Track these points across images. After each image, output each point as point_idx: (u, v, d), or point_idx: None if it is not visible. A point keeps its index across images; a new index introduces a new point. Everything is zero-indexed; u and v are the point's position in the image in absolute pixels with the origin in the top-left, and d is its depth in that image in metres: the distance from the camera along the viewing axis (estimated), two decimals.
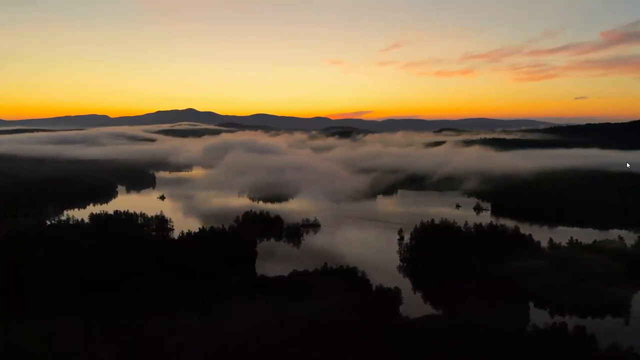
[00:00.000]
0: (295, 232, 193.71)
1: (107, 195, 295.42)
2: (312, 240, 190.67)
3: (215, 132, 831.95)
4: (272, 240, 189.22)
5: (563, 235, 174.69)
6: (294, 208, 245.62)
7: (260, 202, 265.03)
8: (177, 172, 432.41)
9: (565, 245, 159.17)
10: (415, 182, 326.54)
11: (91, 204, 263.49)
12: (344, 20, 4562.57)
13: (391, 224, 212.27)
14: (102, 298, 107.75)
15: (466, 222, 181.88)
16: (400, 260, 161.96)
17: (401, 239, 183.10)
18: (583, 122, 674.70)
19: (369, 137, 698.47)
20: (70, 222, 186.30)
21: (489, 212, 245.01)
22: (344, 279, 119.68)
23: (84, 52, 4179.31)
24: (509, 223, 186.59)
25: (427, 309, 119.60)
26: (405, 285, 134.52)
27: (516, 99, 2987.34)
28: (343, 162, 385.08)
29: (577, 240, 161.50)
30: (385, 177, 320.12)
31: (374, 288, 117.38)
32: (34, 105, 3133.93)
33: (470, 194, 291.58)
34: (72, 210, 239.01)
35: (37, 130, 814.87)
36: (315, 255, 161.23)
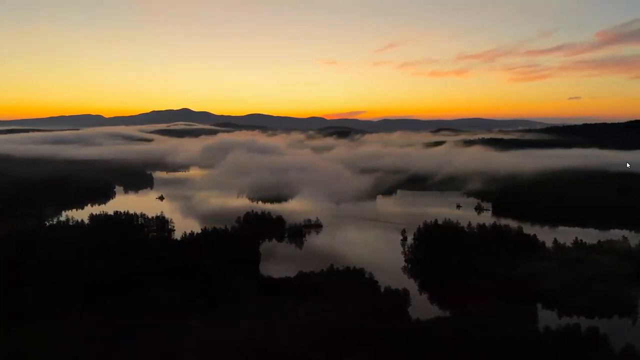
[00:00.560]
0: (297, 232, 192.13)
1: (105, 195, 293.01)
2: (314, 240, 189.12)
3: (212, 132, 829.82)
4: (274, 240, 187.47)
5: (565, 235, 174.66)
6: (296, 208, 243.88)
7: (262, 203, 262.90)
8: (176, 173, 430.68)
9: (570, 245, 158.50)
10: (417, 182, 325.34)
11: (89, 205, 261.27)
12: (339, 20, 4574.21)
13: (393, 224, 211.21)
14: (104, 299, 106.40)
15: (469, 222, 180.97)
16: (405, 261, 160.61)
17: (404, 239, 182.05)
18: (577, 123, 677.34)
19: (367, 137, 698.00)
20: (70, 223, 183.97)
21: (489, 213, 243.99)
22: (352, 280, 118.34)
23: (78, 51, 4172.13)
24: (510, 223, 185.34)
25: (435, 310, 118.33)
26: (411, 286, 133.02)
27: (510, 99, 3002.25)
28: (343, 162, 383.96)
29: (581, 240, 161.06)
30: (387, 177, 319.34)
31: (382, 289, 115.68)
32: (28, 105, 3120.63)
33: (470, 194, 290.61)
34: (70, 210, 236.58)
35: (32, 130, 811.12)
36: (318, 256, 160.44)
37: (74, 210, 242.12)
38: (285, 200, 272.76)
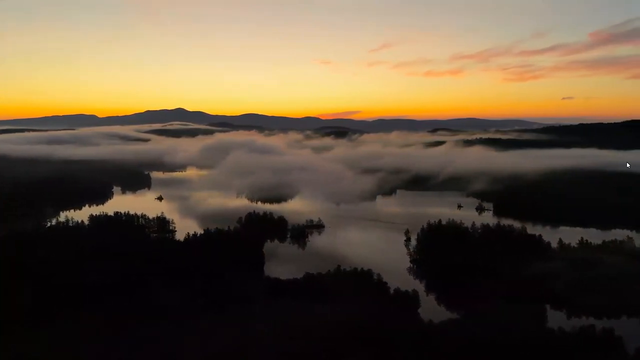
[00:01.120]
0: (300, 233, 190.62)
1: (103, 196, 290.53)
2: (317, 241, 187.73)
3: (209, 132, 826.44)
4: (277, 241, 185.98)
5: (567, 235, 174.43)
6: (298, 209, 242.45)
7: (264, 203, 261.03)
8: (175, 173, 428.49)
9: (576, 245, 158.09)
10: (419, 182, 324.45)
11: (87, 205, 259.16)
12: (334, 20, 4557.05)
13: (396, 224, 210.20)
14: (106, 301, 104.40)
15: (473, 222, 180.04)
16: (410, 261, 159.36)
17: (408, 239, 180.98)
18: (572, 122, 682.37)
19: (365, 137, 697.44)
20: (70, 224, 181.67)
21: (490, 213, 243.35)
22: (360, 282, 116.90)
23: (71, 51, 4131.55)
24: (512, 223, 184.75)
25: (445, 311, 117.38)
26: (417, 286, 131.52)
27: (505, 99, 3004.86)
28: (344, 162, 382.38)
29: (587, 240, 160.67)
30: (389, 178, 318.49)
31: (391, 291, 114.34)
32: (21, 105, 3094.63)
33: (471, 194, 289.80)
34: (69, 211, 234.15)
35: (27, 130, 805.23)
36: (322, 257, 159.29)
37: (73, 210, 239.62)
38: (287, 200, 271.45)
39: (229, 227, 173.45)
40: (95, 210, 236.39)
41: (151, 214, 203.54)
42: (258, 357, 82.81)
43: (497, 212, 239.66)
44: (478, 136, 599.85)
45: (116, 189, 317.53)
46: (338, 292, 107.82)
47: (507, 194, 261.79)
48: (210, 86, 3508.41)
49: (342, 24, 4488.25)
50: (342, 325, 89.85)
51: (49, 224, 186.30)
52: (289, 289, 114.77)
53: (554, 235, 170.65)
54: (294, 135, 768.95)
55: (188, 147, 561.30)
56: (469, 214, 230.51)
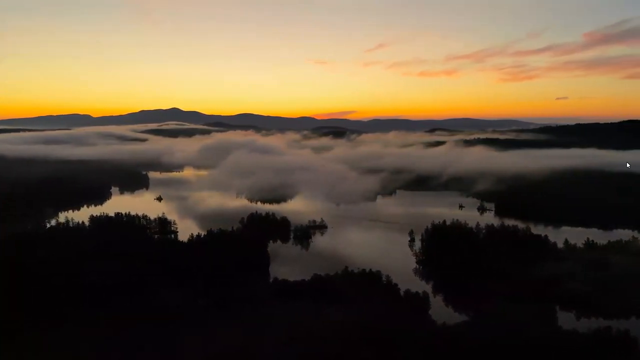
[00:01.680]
0: (303, 234, 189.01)
1: (102, 196, 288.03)
2: (321, 242, 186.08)
3: (206, 132, 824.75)
4: (280, 242, 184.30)
5: (570, 235, 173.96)
6: (300, 209, 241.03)
7: (266, 204, 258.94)
8: (174, 173, 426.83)
9: (582, 245, 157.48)
10: (422, 182, 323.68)
11: (85, 205, 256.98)
12: (329, 20, 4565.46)
13: (398, 224, 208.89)
14: (108, 302, 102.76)
15: (478, 223, 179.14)
16: (416, 262, 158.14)
17: (412, 240, 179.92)
18: (567, 123, 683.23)
19: (364, 137, 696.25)
20: (71, 225, 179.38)
21: (492, 213, 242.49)
22: (369, 283, 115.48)
23: (64, 51, 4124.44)
24: (513, 223, 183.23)
25: (452, 312, 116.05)
26: (424, 287, 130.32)
27: (499, 100, 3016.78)
28: (345, 162, 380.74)
29: (593, 240, 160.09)
30: (392, 178, 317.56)
31: (402, 293, 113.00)
32: (16, 105, 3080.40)
33: (472, 194, 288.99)
34: (68, 211, 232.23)
35: (23, 130, 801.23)
36: (326, 258, 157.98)
37: (72, 211, 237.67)
38: (289, 200, 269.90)
39: (232, 227, 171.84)
40: (94, 210, 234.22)
41: (151, 215, 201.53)
42: (262, 358, 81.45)
43: (499, 212, 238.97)
44: (476, 136, 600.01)
45: (114, 189, 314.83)
46: (347, 294, 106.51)
47: (509, 194, 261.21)
48: (205, 86, 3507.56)
49: (337, 24, 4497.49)
50: (351, 327, 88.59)
51: (49, 225, 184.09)
52: (296, 290, 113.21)
53: (557, 236, 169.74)
54: (291, 135, 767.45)
55: (186, 147, 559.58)
56: (471, 214, 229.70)
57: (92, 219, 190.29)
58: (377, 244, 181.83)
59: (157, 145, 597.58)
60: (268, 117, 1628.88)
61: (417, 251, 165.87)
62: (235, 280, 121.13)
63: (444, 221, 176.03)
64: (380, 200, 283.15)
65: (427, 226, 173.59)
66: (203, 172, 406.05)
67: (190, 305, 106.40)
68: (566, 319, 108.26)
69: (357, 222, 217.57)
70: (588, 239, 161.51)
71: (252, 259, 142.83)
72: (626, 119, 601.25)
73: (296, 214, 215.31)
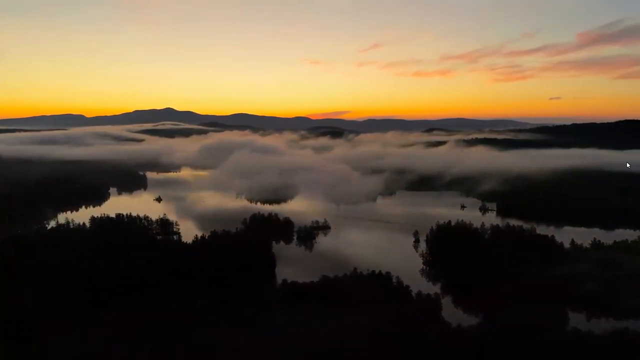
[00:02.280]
0: (307, 234, 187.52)
1: (100, 196, 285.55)
2: (324, 243, 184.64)
3: (202, 132, 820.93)
4: (283, 243, 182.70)
5: (572, 235, 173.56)
6: (303, 210, 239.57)
7: (268, 204, 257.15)
8: (172, 173, 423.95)
9: (589, 245, 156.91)
10: (423, 182, 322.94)
11: (84, 206, 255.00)
12: (324, 20, 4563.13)
13: (402, 225, 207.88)
14: (108, 302, 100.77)
15: (482, 223, 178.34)
16: (423, 263, 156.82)
17: (417, 241, 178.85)
18: (561, 123, 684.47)
19: (362, 137, 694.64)
20: (71, 226, 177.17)
21: (494, 213, 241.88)
22: (379, 285, 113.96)
23: (57, 50, 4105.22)
24: (516, 224, 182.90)
25: (462, 314, 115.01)
26: (433, 289, 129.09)
27: (493, 100, 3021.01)
28: (346, 162, 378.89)
29: (599, 240, 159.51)
30: (393, 178, 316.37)
31: (413, 295, 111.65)
32: (10, 105, 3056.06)
33: (474, 194, 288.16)
34: (67, 212, 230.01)
35: (18, 130, 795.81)
36: (331, 259, 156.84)
37: (70, 211, 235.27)
38: (290, 201, 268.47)
39: (236, 228, 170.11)
40: (93, 211, 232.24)
41: (151, 215, 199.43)
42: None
43: (501, 213, 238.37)
44: (475, 136, 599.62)
45: (112, 190, 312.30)
46: (357, 296, 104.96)
47: (510, 194, 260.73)
48: (199, 86, 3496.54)
49: (332, 24, 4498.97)
50: (362, 330, 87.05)
51: (50, 226, 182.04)
52: (304, 291, 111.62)
53: (560, 236, 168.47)
54: (289, 136, 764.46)
55: (184, 147, 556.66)
56: (473, 215, 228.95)
57: (93, 219, 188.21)
58: (381, 244, 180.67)
59: (154, 146, 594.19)
60: (263, 117, 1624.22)
61: (423, 252, 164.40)
62: (240, 282, 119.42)
63: (449, 221, 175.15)
64: (381, 200, 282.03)
65: (432, 226, 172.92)
66: (202, 173, 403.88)
67: (193, 305, 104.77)
68: (579, 320, 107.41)
69: (359, 223, 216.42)
70: (595, 239, 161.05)
71: (256, 260, 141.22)
72: (621, 118, 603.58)
73: (298, 215, 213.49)
